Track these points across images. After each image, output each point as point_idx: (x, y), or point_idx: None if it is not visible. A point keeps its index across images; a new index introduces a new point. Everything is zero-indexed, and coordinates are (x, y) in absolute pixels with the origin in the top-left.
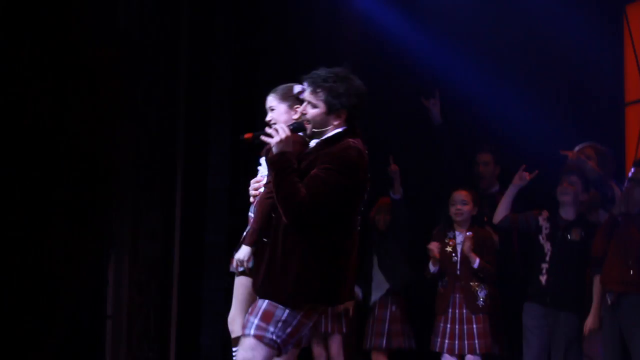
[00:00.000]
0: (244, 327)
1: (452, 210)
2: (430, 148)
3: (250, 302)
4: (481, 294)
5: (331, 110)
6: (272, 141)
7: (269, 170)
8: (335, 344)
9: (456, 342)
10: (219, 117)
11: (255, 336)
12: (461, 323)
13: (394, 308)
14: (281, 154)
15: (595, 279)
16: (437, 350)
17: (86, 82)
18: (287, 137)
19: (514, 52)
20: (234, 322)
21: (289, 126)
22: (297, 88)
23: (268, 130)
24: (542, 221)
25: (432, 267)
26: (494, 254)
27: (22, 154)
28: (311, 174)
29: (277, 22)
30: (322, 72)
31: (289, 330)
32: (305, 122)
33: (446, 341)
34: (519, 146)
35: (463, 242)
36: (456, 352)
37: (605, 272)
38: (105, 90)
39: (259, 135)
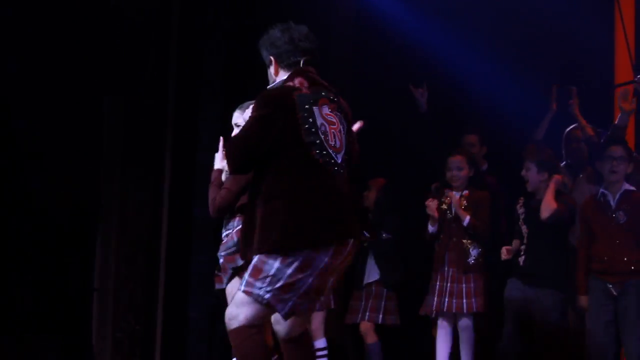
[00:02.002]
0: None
1: (448, 175)
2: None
3: None
4: (473, 252)
5: (267, 63)
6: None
7: None
8: (317, 319)
9: (446, 299)
10: (210, 92)
11: (245, 292)
12: (452, 281)
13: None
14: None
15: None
16: (434, 309)
17: (77, 57)
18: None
19: (505, 33)
20: None
21: None
22: None
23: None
24: (519, 208)
25: (430, 227)
26: (488, 215)
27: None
28: None
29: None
30: None
31: (279, 284)
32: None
33: (438, 299)
34: (509, 127)
35: (460, 199)
36: (445, 309)
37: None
38: (95, 64)
39: None
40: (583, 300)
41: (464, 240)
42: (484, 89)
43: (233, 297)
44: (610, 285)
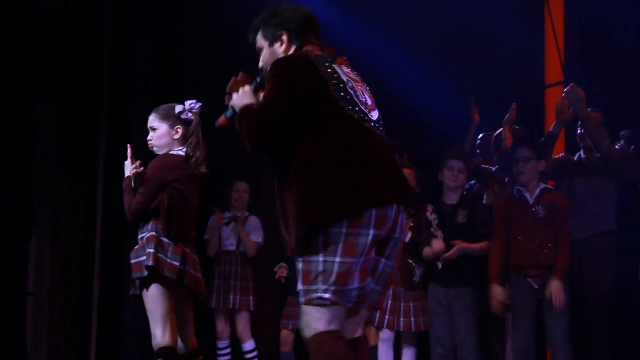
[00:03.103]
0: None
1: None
2: None
3: (175, 309)
4: (417, 271)
5: (273, 40)
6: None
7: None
8: (243, 321)
9: (394, 318)
10: (142, 97)
11: (306, 303)
12: (399, 300)
13: None
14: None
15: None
16: (376, 325)
17: (8, 61)
18: (240, 105)
19: (437, 36)
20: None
21: (251, 85)
22: (178, 108)
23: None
24: (430, 215)
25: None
26: (424, 232)
27: None
28: None
29: None
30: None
31: (333, 278)
32: (262, 71)
33: (386, 317)
34: (439, 128)
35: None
36: (394, 328)
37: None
38: (27, 67)
39: (231, 114)
40: (497, 289)
41: (409, 260)
42: (410, 94)
43: (152, 302)
44: (531, 279)
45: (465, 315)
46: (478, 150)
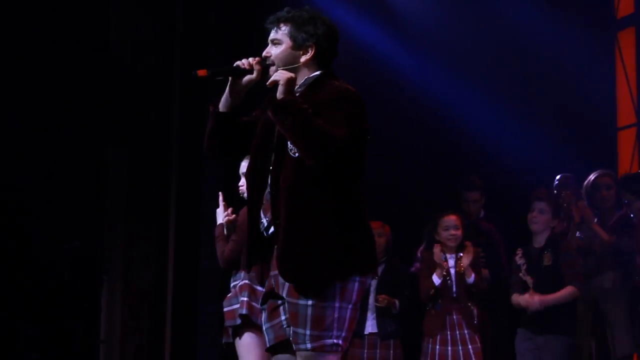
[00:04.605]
0: (294, 341)
1: (445, 235)
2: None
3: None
4: (474, 312)
5: (297, 44)
6: (278, 80)
7: (276, 116)
8: None
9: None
10: None
11: (314, 349)
12: (457, 344)
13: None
14: (291, 95)
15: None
16: None
17: (80, 108)
18: (290, 78)
19: (508, 76)
20: None
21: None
22: None
23: (242, 64)
24: (519, 259)
25: (436, 279)
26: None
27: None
28: (325, 117)
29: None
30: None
31: (346, 324)
32: (270, 64)
33: None
34: (509, 171)
35: (457, 262)
36: None
37: None
38: (98, 115)
39: (222, 71)
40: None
41: (469, 303)
42: (482, 132)
43: (245, 350)
44: None
45: None
46: (555, 192)
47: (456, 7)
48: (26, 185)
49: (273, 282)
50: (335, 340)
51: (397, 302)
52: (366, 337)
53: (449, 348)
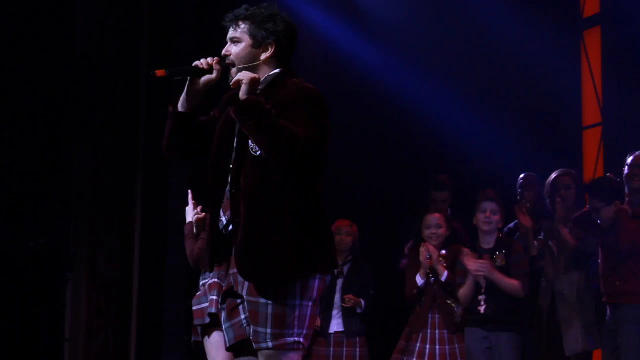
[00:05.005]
0: (255, 340)
1: (427, 233)
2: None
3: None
4: (457, 311)
5: (257, 42)
6: (242, 79)
7: (240, 117)
8: None
9: None
10: None
11: (276, 347)
12: (439, 344)
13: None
14: (253, 95)
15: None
16: None
17: (45, 104)
18: (253, 78)
19: (475, 75)
20: None
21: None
22: None
23: (201, 64)
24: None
25: (419, 280)
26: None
27: None
28: (287, 117)
29: None
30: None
31: (307, 322)
32: (229, 63)
33: None
34: (476, 169)
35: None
36: None
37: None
38: (63, 111)
39: (181, 71)
40: None
41: (448, 301)
42: (449, 131)
43: (214, 349)
44: None
45: None
46: (519, 190)
47: (424, 5)
48: None
49: (232, 281)
50: (296, 338)
51: (362, 301)
52: (332, 335)
53: (427, 346)
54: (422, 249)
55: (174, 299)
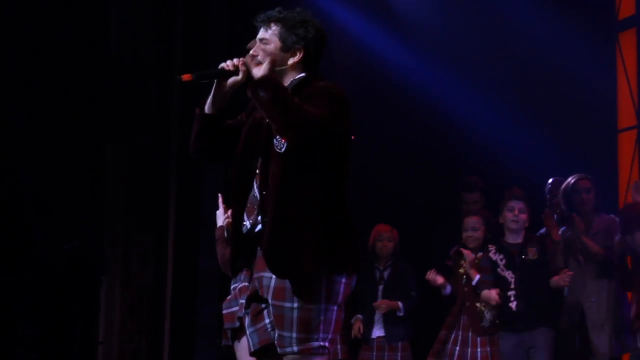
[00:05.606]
0: (280, 344)
1: (464, 236)
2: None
3: None
4: (487, 316)
5: (286, 46)
6: (255, 69)
7: (255, 91)
8: None
9: None
10: None
11: (302, 351)
12: (471, 346)
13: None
14: (269, 74)
15: None
16: None
17: (79, 105)
18: (272, 60)
19: (510, 78)
20: None
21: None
22: None
23: (227, 65)
24: (494, 255)
25: (444, 291)
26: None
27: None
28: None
29: None
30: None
31: (332, 326)
32: (254, 64)
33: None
34: (508, 171)
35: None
36: None
37: None
38: (98, 113)
39: (207, 74)
40: None
41: (477, 304)
42: (483, 133)
43: (243, 354)
44: None
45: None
46: (548, 195)
47: (458, 7)
48: (27, 184)
49: (257, 285)
50: (322, 343)
51: (400, 304)
52: (374, 340)
53: (457, 348)
54: (428, 277)
55: (206, 301)
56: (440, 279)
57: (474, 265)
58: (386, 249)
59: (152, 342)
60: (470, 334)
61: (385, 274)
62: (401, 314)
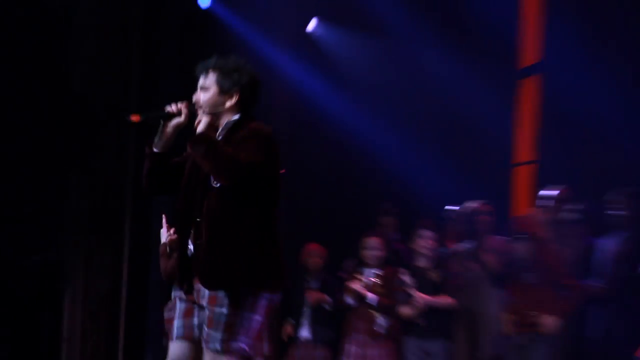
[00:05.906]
0: (206, 340)
1: (363, 253)
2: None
3: None
4: (379, 321)
5: (223, 90)
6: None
7: (192, 147)
8: None
9: None
10: None
11: (223, 350)
12: (362, 347)
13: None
14: (204, 132)
15: None
16: None
17: (46, 142)
18: (208, 120)
19: (422, 116)
20: None
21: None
22: None
23: (171, 108)
24: (406, 277)
25: (351, 301)
26: (397, 292)
27: None
28: (238, 149)
29: None
30: (212, 59)
31: (254, 333)
32: (198, 108)
33: None
34: (420, 198)
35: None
36: None
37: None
38: (63, 144)
39: (154, 116)
40: None
41: (370, 310)
42: (399, 165)
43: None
44: None
45: None
46: (449, 220)
47: (377, 51)
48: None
49: (195, 296)
50: (242, 345)
51: (327, 297)
52: (302, 340)
53: (359, 350)
54: (349, 285)
55: (155, 308)
56: (360, 290)
57: (371, 289)
58: (316, 264)
59: (109, 342)
60: (364, 335)
61: (314, 284)
62: (330, 308)
